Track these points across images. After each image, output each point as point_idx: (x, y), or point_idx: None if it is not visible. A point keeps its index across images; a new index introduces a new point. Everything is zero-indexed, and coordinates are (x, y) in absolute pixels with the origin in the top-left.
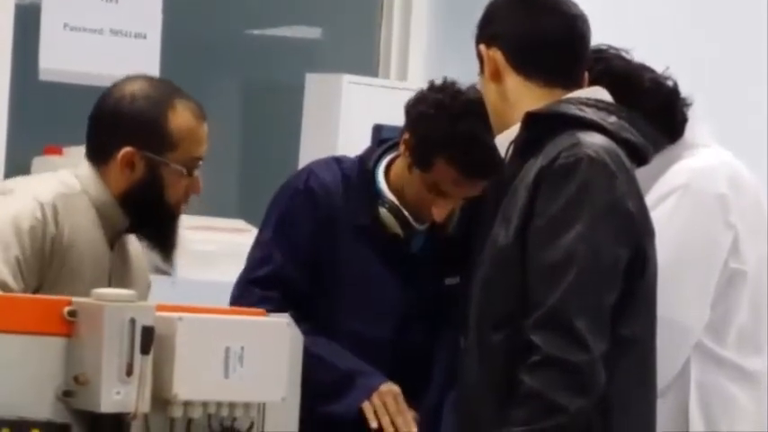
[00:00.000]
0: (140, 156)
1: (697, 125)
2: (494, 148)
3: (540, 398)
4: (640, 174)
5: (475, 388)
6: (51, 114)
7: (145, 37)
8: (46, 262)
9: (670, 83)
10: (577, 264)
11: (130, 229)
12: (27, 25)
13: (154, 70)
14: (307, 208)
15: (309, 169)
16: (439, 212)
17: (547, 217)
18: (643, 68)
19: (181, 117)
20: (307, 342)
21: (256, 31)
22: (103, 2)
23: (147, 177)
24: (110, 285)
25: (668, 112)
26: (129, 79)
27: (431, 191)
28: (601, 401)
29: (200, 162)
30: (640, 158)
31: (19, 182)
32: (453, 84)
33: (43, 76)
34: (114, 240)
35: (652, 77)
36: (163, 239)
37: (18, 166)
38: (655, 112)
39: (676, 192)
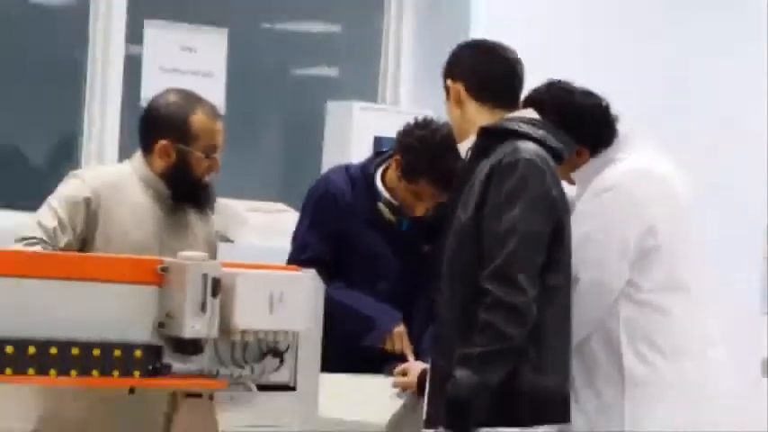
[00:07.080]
0: (173, 147)
1: (630, 134)
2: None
3: (493, 329)
4: (584, 172)
5: (446, 324)
6: None
7: (212, 76)
8: (88, 219)
9: (604, 103)
10: (518, 235)
11: (174, 197)
12: (131, 69)
13: (220, 99)
14: (330, 207)
15: (327, 177)
16: (419, 211)
17: (496, 201)
18: (584, 93)
19: (200, 117)
20: (338, 294)
21: (298, 71)
22: (185, 51)
23: (179, 162)
24: (161, 241)
25: (602, 125)
26: (165, 91)
27: (414, 197)
28: (533, 330)
29: (217, 148)
30: (560, 158)
31: (91, 168)
32: (432, 121)
33: (144, 104)
34: (169, 207)
35: (593, 103)
36: (196, 200)
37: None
38: (590, 125)
39: (606, 192)
